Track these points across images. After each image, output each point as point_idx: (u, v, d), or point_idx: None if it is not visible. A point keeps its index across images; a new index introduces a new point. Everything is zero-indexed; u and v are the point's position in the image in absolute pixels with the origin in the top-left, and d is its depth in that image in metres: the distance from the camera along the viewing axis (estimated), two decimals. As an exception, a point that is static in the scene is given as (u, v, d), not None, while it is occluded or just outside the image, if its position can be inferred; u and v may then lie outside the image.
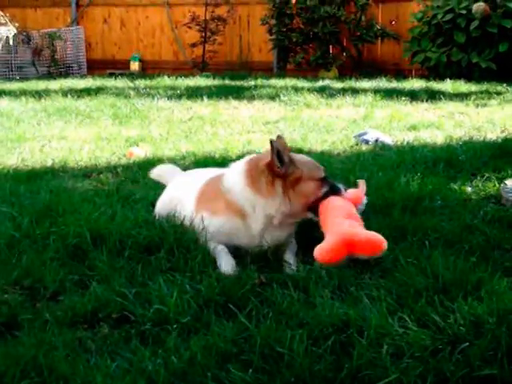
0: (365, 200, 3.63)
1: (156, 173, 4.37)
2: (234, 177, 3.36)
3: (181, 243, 3.30)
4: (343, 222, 3.22)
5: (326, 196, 3.34)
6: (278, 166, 3.25)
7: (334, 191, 3.38)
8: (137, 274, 3.08)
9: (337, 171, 4.88)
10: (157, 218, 3.72)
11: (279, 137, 3.39)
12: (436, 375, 2.23)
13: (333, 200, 3.33)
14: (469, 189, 4.41)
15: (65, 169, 5.46)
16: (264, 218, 3.28)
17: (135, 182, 4.95)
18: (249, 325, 2.56)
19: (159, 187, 4.24)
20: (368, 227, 3.49)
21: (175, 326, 2.59)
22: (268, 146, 3.30)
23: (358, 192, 3.63)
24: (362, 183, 3.63)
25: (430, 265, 3.00)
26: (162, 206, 3.81)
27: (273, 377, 2.26)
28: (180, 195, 3.69)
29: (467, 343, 2.36)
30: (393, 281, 2.92)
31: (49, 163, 5.64)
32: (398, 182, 4.40)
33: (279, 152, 3.25)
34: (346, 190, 3.49)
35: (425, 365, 2.27)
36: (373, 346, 2.38)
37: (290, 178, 3.27)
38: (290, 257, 3.26)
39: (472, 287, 2.81)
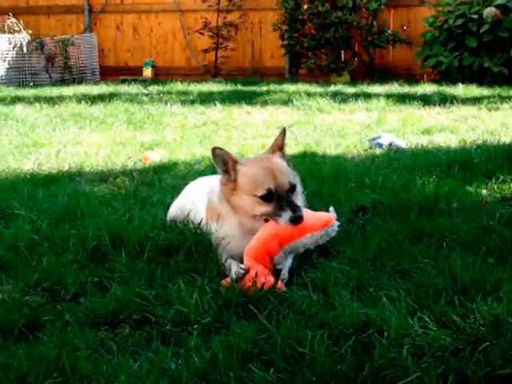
0: (336, 226, 3.29)
1: None
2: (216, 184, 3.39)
3: (199, 245, 3.32)
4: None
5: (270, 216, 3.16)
6: (222, 174, 3.28)
7: (275, 215, 3.13)
8: (156, 275, 3.11)
9: (352, 174, 4.89)
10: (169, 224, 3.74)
11: (284, 131, 3.43)
12: (457, 375, 2.23)
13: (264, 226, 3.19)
14: (484, 191, 4.41)
15: (81, 173, 5.51)
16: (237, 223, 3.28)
17: (151, 185, 4.98)
18: (269, 325, 2.57)
19: (176, 191, 4.26)
20: (386, 229, 3.53)
21: (196, 326, 2.61)
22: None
23: (327, 216, 3.32)
24: (332, 210, 3.41)
25: (448, 266, 3.02)
26: (174, 213, 3.83)
27: (294, 376, 2.27)
28: (192, 203, 3.68)
29: (487, 343, 2.36)
30: (411, 281, 2.93)
31: (65, 168, 5.69)
32: (413, 185, 4.42)
33: (223, 160, 3.25)
34: (294, 220, 3.09)
35: (446, 364, 2.28)
36: (393, 346, 2.39)
37: (227, 186, 3.27)
38: (283, 266, 3.17)
39: (491, 288, 2.82)
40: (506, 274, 2.94)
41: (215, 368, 2.32)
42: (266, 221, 3.18)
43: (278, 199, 3.12)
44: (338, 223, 3.29)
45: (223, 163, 3.26)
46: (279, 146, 3.37)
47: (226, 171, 3.27)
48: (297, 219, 3.08)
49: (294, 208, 3.10)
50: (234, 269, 3.06)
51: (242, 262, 3.13)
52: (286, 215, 3.08)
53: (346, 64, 13.61)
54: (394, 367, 2.27)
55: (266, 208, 3.14)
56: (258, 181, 3.17)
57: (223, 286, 2.94)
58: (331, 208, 3.41)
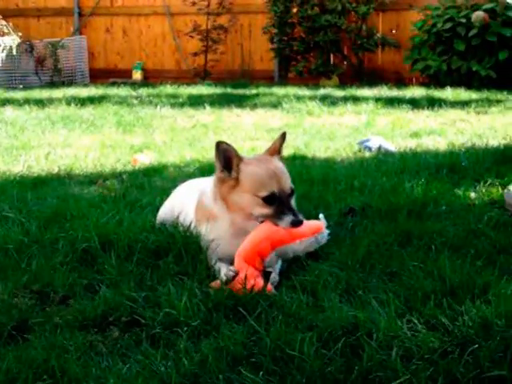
0: (326, 233, 3.34)
1: None
2: (209, 183, 3.39)
3: (189, 247, 3.31)
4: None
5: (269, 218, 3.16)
6: (221, 170, 3.23)
7: (276, 218, 3.14)
8: (146, 278, 3.10)
9: (341, 177, 4.91)
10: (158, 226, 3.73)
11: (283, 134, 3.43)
12: (446, 377, 2.24)
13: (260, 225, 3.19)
14: (473, 194, 4.43)
15: (71, 176, 5.50)
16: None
17: (141, 188, 4.96)
18: (258, 328, 2.57)
19: (165, 193, 4.26)
20: (375, 231, 3.54)
21: (185, 329, 2.61)
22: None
23: (316, 224, 3.36)
24: (321, 217, 3.44)
25: (436, 268, 3.03)
26: (164, 216, 3.82)
27: (284, 379, 2.28)
28: (181, 205, 3.68)
29: (476, 345, 2.37)
30: (400, 284, 2.94)
31: (55, 170, 5.67)
32: (402, 188, 4.43)
33: (226, 157, 3.21)
34: (295, 223, 3.12)
35: (435, 366, 2.28)
36: (382, 349, 2.40)
37: (226, 183, 3.23)
38: (273, 268, 3.18)
39: (479, 290, 2.83)
40: (494, 277, 2.96)
41: (205, 370, 2.32)
42: (261, 222, 3.19)
43: (279, 203, 3.14)
44: (327, 231, 3.30)
45: (225, 159, 3.21)
46: (277, 150, 3.38)
47: (226, 167, 3.22)
48: (298, 222, 3.12)
49: (295, 212, 3.15)
50: (224, 270, 3.07)
51: (232, 264, 3.13)
52: (288, 218, 3.11)
53: (335, 67, 13.64)
54: (383, 369, 2.28)
55: (266, 210, 3.15)
56: (262, 182, 3.17)
57: (213, 288, 2.94)
58: (321, 215, 3.42)
